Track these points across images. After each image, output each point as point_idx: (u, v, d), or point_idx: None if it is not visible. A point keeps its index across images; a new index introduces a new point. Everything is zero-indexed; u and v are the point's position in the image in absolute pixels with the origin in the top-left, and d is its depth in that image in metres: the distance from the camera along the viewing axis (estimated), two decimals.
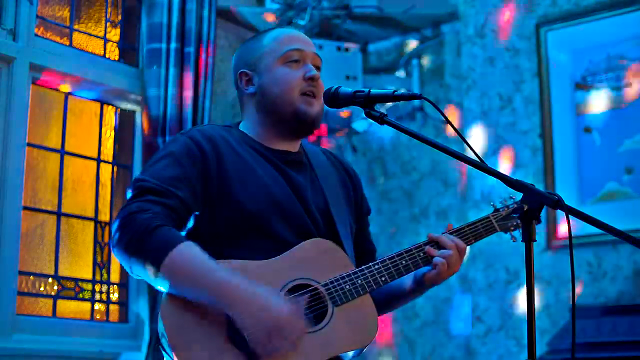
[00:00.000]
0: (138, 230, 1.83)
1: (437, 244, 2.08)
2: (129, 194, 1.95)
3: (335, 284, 1.97)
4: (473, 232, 2.14)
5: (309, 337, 1.90)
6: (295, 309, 1.84)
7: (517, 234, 2.18)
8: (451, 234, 2.12)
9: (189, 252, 1.85)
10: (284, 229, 2.00)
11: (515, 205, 2.17)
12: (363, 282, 2.00)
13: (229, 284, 1.82)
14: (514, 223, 2.19)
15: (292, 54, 2.10)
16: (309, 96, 2.08)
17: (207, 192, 1.98)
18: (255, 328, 1.80)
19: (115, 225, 1.89)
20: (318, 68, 2.14)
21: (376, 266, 2.03)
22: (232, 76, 2.23)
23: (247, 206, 1.98)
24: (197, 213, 1.99)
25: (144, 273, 1.86)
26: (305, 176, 2.13)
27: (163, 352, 1.89)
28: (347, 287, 1.98)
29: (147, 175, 1.96)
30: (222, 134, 2.07)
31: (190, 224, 2.00)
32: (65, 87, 3.74)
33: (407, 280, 2.14)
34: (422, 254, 2.07)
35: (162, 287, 1.86)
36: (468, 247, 2.11)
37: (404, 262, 2.05)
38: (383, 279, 2.02)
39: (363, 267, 2.02)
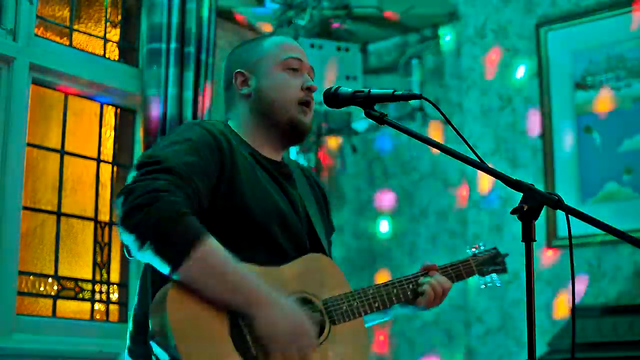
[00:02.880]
0: (167, 212, 1.71)
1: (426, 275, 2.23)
2: (140, 169, 1.80)
3: (335, 302, 1.99)
4: (456, 272, 2.30)
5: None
6: (310, 322, 1.88)
7: (489, 278, 2.40)
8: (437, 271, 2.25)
9: (217, 247, 1.77)
10: (285, 241, 2.01)
11: (493, 252, 2.42)
12: (359, 305, 2.03)
13: (254, 284, 1.82)
14: (489, 269, 2.39)
15: (293, 62, 2.10)
16: (305, 106, 2.09)
17: (216, 189, 1.91)
18: (277, 329, 1.81)
19: (133, 198, 1.72)
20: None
21: (371, 291, 2.08)
22: (222, 76, 2.20)
23: (257, 215, 1.95)
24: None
25: (158, 259, 1.73)
26: (294, 188, 2.13)
27: (155, 347, 1.77)
28: (345, 307, 2.00)
29: (167, 155, 1.83)
30: (228, 135, 2.02)
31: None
32: (65, 87, 3.74)
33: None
34: (411, 286, 2.18)
35: (180, 275, 1.74)
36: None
37: (395, 290, 2.14)
38: (376, 305, 2.08)
39: (359, 290, 2.06)
